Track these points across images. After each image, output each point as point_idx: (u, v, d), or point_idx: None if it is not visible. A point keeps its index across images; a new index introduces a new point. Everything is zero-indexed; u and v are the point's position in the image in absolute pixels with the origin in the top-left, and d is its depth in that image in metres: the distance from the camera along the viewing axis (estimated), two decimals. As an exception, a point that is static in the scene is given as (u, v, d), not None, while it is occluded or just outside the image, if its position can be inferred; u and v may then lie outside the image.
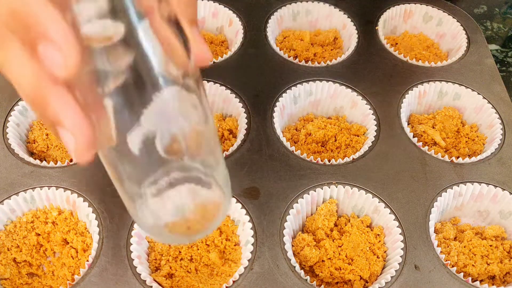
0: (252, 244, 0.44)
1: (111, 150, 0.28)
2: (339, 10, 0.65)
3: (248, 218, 0.46)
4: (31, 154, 0.53)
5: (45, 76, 0.22)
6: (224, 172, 0.33)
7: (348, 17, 0.64)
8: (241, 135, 0.52)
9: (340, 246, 0.47)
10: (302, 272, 0.44)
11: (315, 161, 0.51)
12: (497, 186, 0.49)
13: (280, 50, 0.61)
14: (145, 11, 0.24)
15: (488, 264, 0.46)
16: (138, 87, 0.25)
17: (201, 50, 0.27)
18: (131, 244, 0.44)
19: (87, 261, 0.44)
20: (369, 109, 0.55)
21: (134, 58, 0.25)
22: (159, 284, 0.43)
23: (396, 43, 0.66)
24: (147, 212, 0.31)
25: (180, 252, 0.46)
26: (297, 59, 0.61)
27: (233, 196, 0.47)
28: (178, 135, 0.28)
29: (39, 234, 0.47)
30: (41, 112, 0.23)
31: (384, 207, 0.48)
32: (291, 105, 0.57)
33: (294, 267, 0.44)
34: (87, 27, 0.23)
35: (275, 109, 0.54)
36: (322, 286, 0.45)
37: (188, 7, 0.28)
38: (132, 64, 0.25)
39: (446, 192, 0.49)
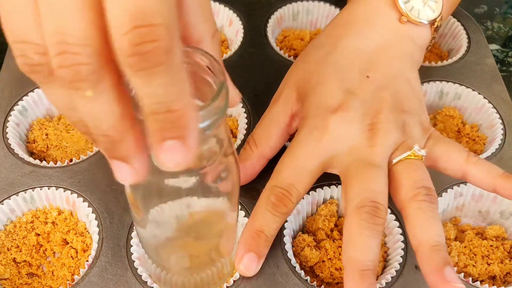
0: (252, 244, 0.44)
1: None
2: (340, 10, 0.65)
3: (247, 219, 0.46)
4: (31, 154, 0.53)
5: (128, 120, 0.23)
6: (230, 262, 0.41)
7: (349, 17, 0.64)
8: (241, 135, 0.52)
9: (341, 247, 0.46)
10: (302, 273, 0.44)
11: (315, 161, 0.51)
12: (497, 186, 0.49)
13: (280, 49, 0.61)
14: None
15: (489, 264, 0.46)
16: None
17: (233, 98, 0.30)
18: (132, 245, 0.44)
19: (87, 261, 0.44)
20: (370, 109, 0.55)
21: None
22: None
23: (397, 43, 0.66)
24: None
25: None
26: (297, 59, 0.61)
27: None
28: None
29: (39, 234, 0.47)
30: (110, 144, 0.23)
31: (385, 207, 0.47)
32: (291, 105, 0.57)
33: (294, 267, 0.44)
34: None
35: (275, 109, 0.54)
36: (323, 286, 0.45)
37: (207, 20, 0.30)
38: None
39: (446, 192, 0.49)
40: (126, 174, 0.24)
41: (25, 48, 0.22)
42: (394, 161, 0.40)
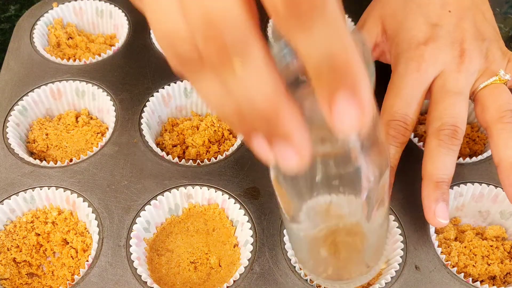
0: (252, 244, 0.44)
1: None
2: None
3: (247, 218, 0.46)
4: (31, 154, 0.53)
5: (283, 90, 0.21)
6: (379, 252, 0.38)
7: (349, 17, 0.64)
8: (241, 135, 0.52)
9: (340, 247, 0.47)
10: (302, 273, 0.44)
11: (315, 161, 0.51)
12: (497, 186, 0.49)
13: (280, 50, 0.61)
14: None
15: (489, 265, 0.46)
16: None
17: None
18: (131, 245, 0.44)
19: (87, 261, 0.44)
20: (370, 109, 0.55)
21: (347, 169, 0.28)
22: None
23: (397, 43, 0.66)
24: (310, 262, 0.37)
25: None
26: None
27: (233, 196, 0.47)
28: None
29: (39, 234, 0.47)
30: (267, 123, 0.22)
31: (385, 207, 0.47)
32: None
33: (294, 267, 0.44)
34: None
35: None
36: (322, 286, 0.45)
37: None
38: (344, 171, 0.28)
39: (446, 192, 0.49)
40: (290, 158, 0.22)
41: (173, 39, 0.22)
42: (481, 86, 0.44)
